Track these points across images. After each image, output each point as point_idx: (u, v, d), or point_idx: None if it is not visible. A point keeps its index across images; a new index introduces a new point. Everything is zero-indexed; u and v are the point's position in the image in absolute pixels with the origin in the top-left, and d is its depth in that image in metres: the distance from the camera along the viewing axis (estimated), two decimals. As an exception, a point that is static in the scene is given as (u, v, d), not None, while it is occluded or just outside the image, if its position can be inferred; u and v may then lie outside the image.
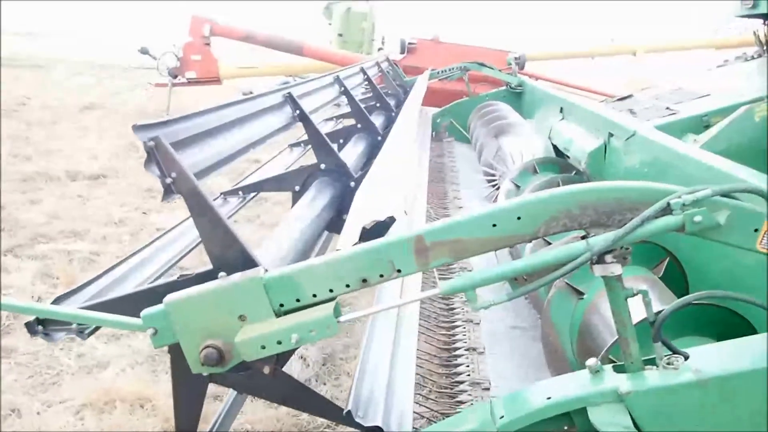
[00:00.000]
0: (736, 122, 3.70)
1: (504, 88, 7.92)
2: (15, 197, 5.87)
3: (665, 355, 1.35)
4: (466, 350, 2.67)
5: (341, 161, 2.85)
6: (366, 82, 5.39)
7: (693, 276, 2.42)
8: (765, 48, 5.43)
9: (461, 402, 2.24)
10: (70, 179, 6.67)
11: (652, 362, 1.37)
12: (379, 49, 17.53)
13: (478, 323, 2.84)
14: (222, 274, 1.51)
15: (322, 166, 2.85)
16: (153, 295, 1.55)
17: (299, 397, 1.59)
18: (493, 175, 5.13)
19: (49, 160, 7.33)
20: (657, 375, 1.33)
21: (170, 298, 1.41)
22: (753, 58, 5.54)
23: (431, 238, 1.35)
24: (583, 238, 1.34)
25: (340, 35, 17.21)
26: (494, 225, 1.33)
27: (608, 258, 1.29)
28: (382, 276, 1.39)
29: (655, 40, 11.78)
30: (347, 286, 1.40)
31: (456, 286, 1.34)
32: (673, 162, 2.97)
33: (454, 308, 2.95)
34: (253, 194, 3.00)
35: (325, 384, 3.29)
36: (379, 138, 4.30)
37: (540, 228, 1.33)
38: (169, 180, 1.53)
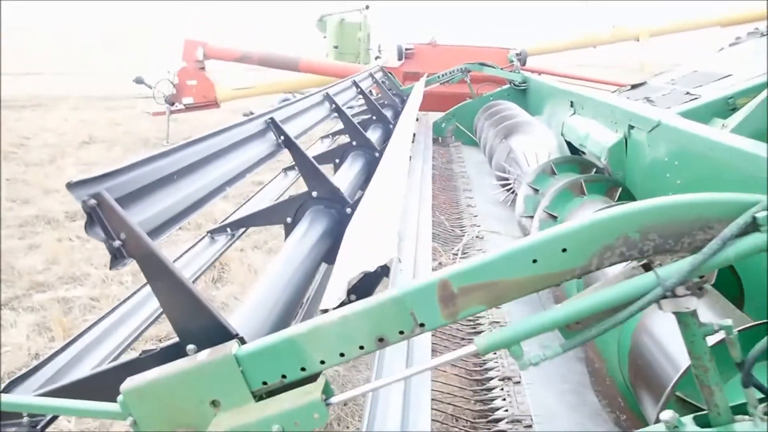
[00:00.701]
0: (764, 103, 3.43)
1: (508, 86, 7.72)
2: (13, 243, 5.67)
3: (759, 400, 1.10)
4: (500, 380, 2.41)
5: (334, 187, 2.61)
6: (360, 95, 5.16)
7: (748, 281, 2.15)
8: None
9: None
10: (69, 220, 6.46)
11: (741, 409, 1.12)
12: (377, 58, 17.39)
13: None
14: (191, 347, 1.29)
15: (314, 193, 2.61)
16: (113, 375, 1.31)
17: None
18: (507, 179, 4.89)
19: (48, 201, 7.14)
20: (752, 428, 1.08)
21: (129, 383, 1.18)
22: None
23: (459, 283, 1.11)
24: (644, 267, 1.09)
25: (336, 47, 17.11)
26: (534, 261, 1.09)
27: (680, 290, 1.04)
28: (402, 333, 1.14)
29: (658, 23, 11.47)
30: (361, 348, 1.15)
31: (495, 341, 1.09)
32: (705, 152, 2.71)
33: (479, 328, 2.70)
34: (242, 230, 2.77)
35: (348, 428, 3.03)
36: (377, 154, 4.07)
37: (592, 260, 1.08)
38: (117, 243, 1.29)
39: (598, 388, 2.08)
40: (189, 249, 2.50)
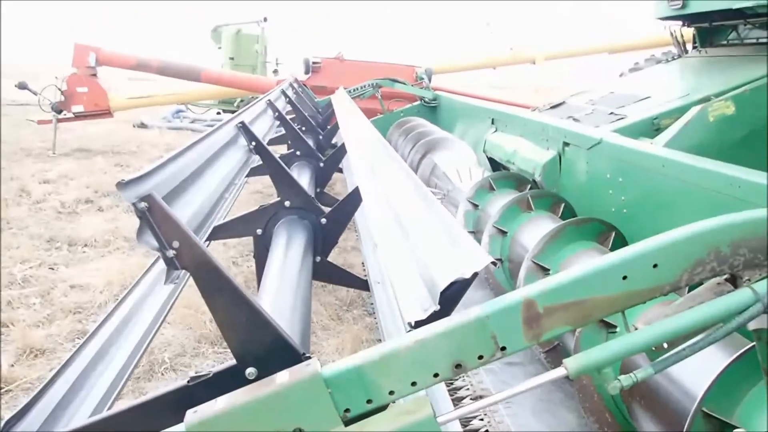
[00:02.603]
0: (692, 123, 3.63)
1: (418, 102, 7.78)
2: None
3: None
4: (473, 399, 2.36)
5: (308, 196, 2.49)
6: (289, 105, 5.03)
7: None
8: (683, 48, 5.52)
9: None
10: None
11: None
12: (274, 71, 17.16)
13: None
14: (251, 370, 1.15)
15: (287, 203, 2.47)
16: (159, 407, 1.14)
17: None
18: (434, 195, 4.89)
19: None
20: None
21: (194, 417, 1.02)
22: (674, 59, 5.61)
23: (546, 302, 1.03)
24: (729, 281, 1.06)
25: (232, 58, 16.75)
26: (625, 277, 1.04)
27: (772, 307, 1.02)
28: (481, 358, 1.05)
29: (553, 47, 12.05)
30: (435, 375, 1.05)
31: (586, 364, 1.03)
32: (654, 168, 2.80)
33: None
34: (206, 243, 2.57)
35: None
36: (321, 164, 3.95)
37: (683, 276, 1.04)
38: (171, 253, 1.13)
39: (585, 405, 2.06)
40: (149, 269, 2.28)
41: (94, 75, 10.39)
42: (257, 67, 16.80)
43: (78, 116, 10.51)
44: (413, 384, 1.05)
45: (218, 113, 16.27)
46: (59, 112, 10.34)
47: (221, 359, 3.44)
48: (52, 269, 4.77)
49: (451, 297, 1.14)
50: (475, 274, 1.11)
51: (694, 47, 5.44)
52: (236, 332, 1.18)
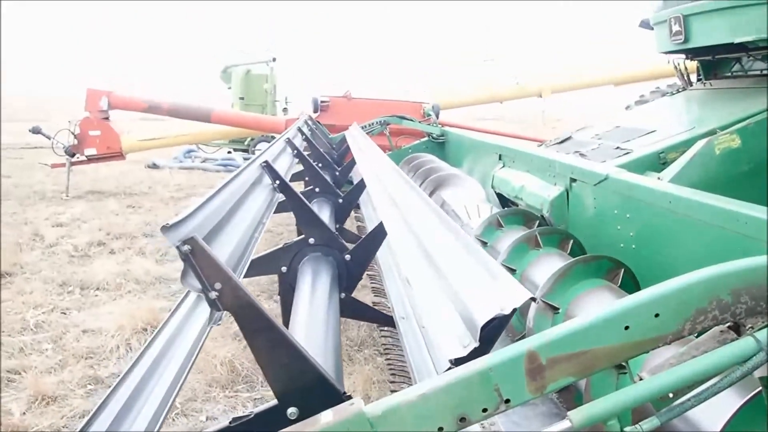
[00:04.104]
0: (698, 157, 3.64)
1: (426, 139, 7.84)
2: None
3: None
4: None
5: (332, 233, 2.52)
6: (305, 143, 5.08)
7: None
8: (687, 81, 5.55)
9: None
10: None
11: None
12: (284, 109, 17.39)
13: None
14: (292, 410, 1.18)
15: (311, 240, 2.50)
16: None
17: None
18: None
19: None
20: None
21: None
22: (678, 91, 5.64)
23: (548, 353, 1.04)
24: (732, 329, 1.06)
25: (242, 98, 17.01)
26: (627, 327, 1.04)
27: (776, 355, 1.02)
28: (485, 410, 1.05)
29: (559, 81, 12.16)
30: (440, 429, 1.05)
31: (592, 415, 1.02)
32: (662, 204, 2.81)
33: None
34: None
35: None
36: (340, 201, 3.97)
37: (685, 325, 1.04)
38: (213, 294, 1.16)
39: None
40: (175, 309, 2.25)
41: (107, 118, 10.56)
42: (267, 106, 17.05)
43: (91, 159, 10.65)
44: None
45: (229, 152, 16.45)
46: (72, 155, 10.48)
47: (232, 404, 3.43)
48: (65, 314, 4.80)
49: (489, 333, 1.13)
50: (515, 310, 1.11)
51: (699, 79, 5.48)
52: (278, 372, 1.20)
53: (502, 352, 1.05)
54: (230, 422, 1.21)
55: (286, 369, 1.19)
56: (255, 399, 3.49)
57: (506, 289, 1.18)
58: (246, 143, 15.82)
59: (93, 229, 7.80)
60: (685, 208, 2.61)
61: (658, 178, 3.72)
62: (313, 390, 1.18)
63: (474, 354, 1.12)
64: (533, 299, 1.11)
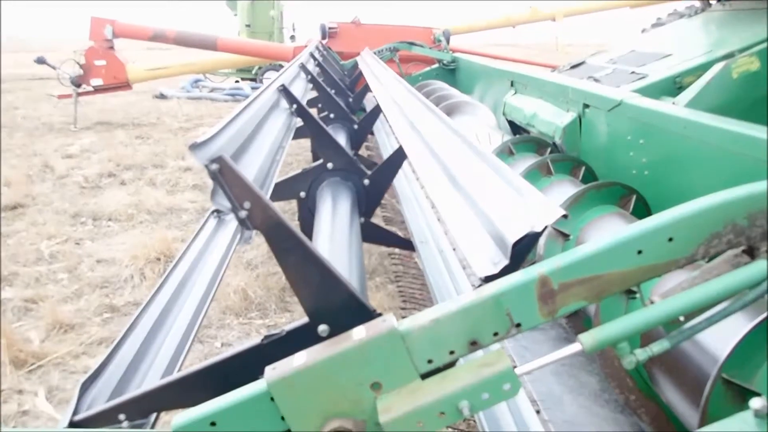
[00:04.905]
0: (715, 81, 3.54)
1: (436, 65, 7.70)
2: None
3: None
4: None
5: (351, 158, 2.50)
6: (318, 68, 4.99)
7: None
8: (707, 1, 5.36)
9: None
10: (-18, 216, 5.94)
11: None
12: (292, 37, 17.05)
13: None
14: (323, 327, 1.19)
15: (330, 165, 2.48)
16: (232, 366, 1.21)
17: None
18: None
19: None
20: None
21: (273, 374, 1.05)
22: (696, 13, 5.46)
23: (560, 278, 1.03)
24: (746, 253, 1.05)
25: (248, 26, 16.69)
26: (640, 252, 1.03)
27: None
28: (496, 334, 1.06)
29: (573, 3, 11.80)
30: (451, 353, 1.06)
31: (602, 339, 1.03)
32: (676, 130, 2.76)
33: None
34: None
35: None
36: (356, 126, 3.93)
37: (698, 249, 1.03)
38: (243, 213, 1.16)
39: (606, 370, 2.07)
40: (198, 233, 2.23)
41: (111, 48, 10.39)
42: (274, 33, 16.73)
43: (97, 89, 10.55)
44: (429, 362, 1.06)
45: (237, 81, 16.26)
46: (79, 86, 10.38)
47: (246, 331, 3.50)
48: (78, 244, 4.85)
49: (520, 251, 1.12)
50: (545, 228, 1.10)
51: (718, 0, 5.29)
52: (309, 290, 1.20)
53: (513, 277, 1.05)
54: (262, 339, 1.22)
55: (317, 287, 1.19)
56: (268, 326, 3.56)
57: (537, 206, 1.16)
58: (254, 72, 15.61)
59: (102, 160, 7.80)
60: (701, 133, 2.55)
61: (673, 103, 3.64)
62: (344, 308, 1.19)
63: (505, 271, 1.11)
64: (565, 216, 1.09)
